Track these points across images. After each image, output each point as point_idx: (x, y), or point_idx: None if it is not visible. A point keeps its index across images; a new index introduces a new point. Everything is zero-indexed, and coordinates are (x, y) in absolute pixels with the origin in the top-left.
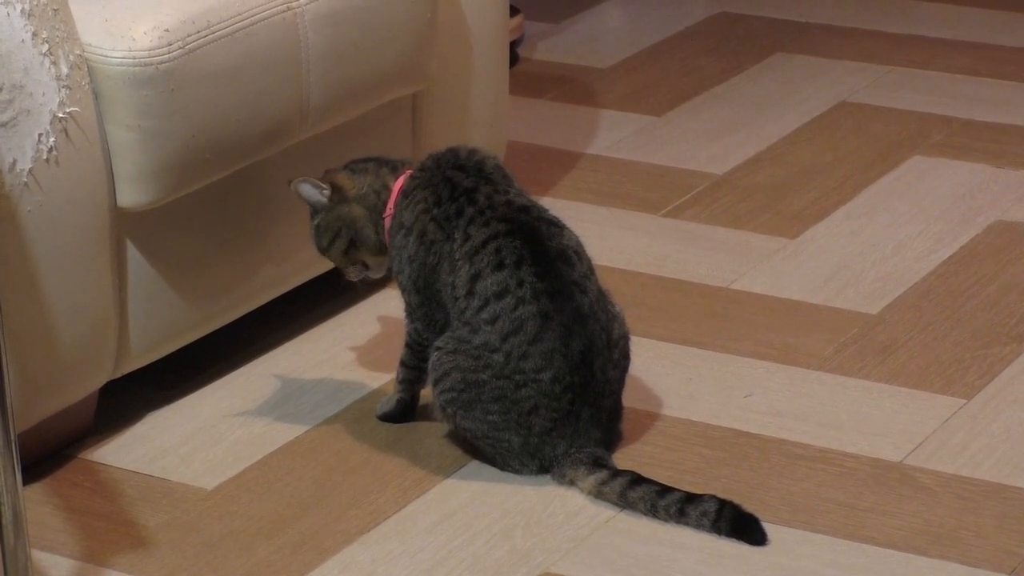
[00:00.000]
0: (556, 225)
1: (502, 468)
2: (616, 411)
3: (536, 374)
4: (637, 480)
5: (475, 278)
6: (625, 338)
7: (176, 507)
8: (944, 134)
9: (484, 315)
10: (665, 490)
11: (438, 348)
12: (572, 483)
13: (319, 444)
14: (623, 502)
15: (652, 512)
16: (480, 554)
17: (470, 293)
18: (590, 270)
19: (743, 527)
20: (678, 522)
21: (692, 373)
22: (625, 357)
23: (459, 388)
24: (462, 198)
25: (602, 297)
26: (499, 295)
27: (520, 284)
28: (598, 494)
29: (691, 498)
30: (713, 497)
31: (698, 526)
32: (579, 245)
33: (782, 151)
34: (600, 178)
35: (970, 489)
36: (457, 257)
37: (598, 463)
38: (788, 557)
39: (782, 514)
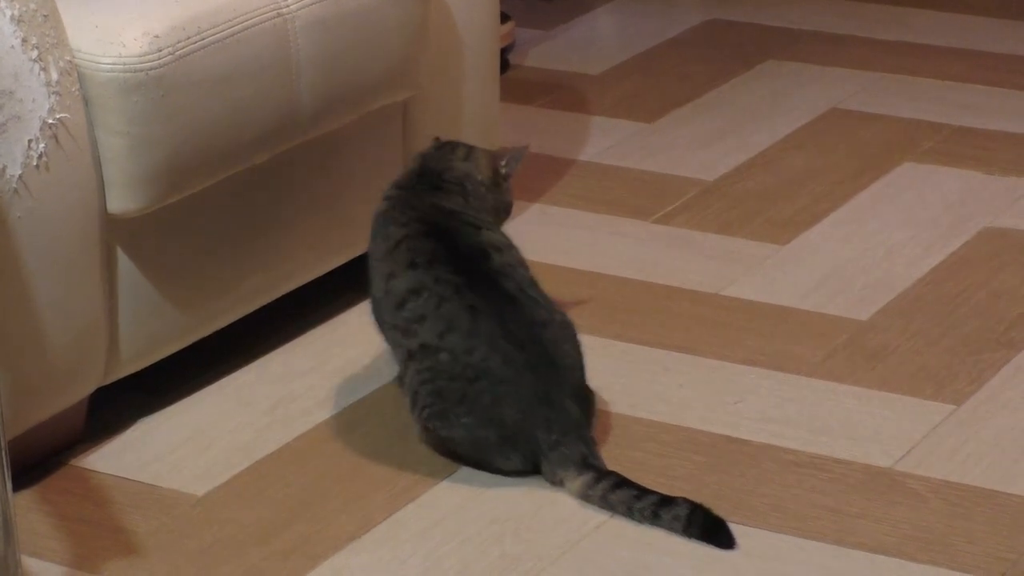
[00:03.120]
0: (474, 226)
1: (491, 470)
2: (586, 396)
3: (484, 363)
4: (619, 484)
5: (390, 277)
6: (569, 326)
7: (166, 513)
8: (934, 141)
9: (405, 313)
10: (642, 494)
11: (399, 377)
12: (561, 483)
13: (309, 450)
14: (605, 505)
15: (629, 514)
16: (470, 560)
17: (387, 292)
18: (520, 264)
19: (712, 530)
20: (652, 524)
21: (683, 379)
22: (577, 350)
23: (427, 403)
24: (401, 203)
25: (535, 288)
26: (415, 291)
27: (437, 281)
28: (585, 498)
29: (665, 501)
30: (686, 501)
31: (671, 529)
32: (503, 244)
33: (773, 158)
34: (591, 185)
35: (960, 495)
36: (378, 257)
37: (586, 462)
38: (778, 563)
39: (772, 520)
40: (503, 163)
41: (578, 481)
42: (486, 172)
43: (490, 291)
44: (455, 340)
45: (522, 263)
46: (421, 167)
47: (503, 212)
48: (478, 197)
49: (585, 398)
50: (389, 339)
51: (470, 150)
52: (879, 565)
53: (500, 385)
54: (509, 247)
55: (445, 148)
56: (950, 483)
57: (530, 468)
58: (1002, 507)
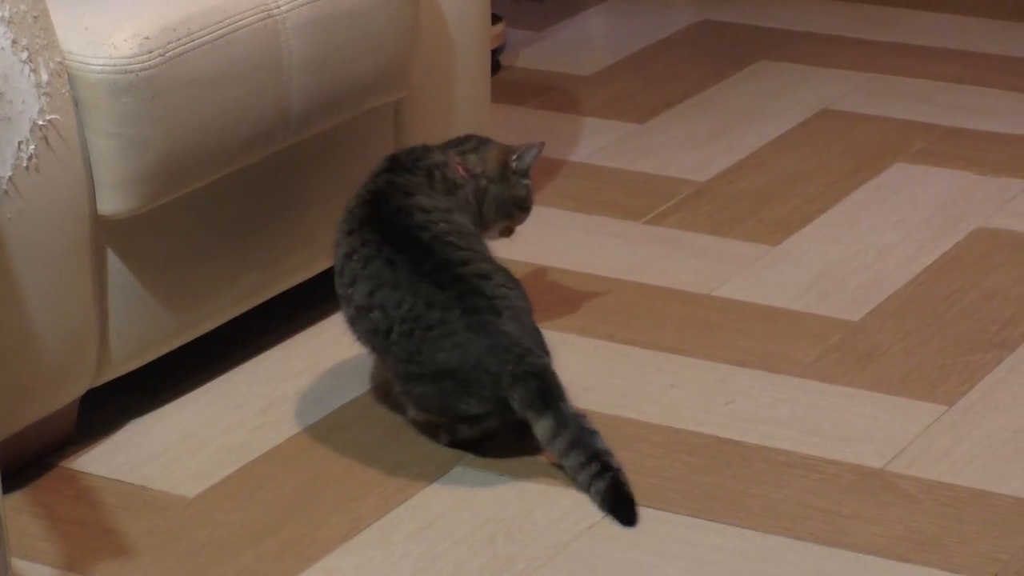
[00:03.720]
0: (406, 192)
1: (466, 430)
2: (535, 328)
3: (411, 312)
4: (572, 444)
5: (336, 246)
6: (505, 272)
7: (158, 515)
8: (926, 141)
9: (343, 279)
10: (587, 462)
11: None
12: (529, 424)
13: (301, 451)
14: (562, 466)
15: (575, 482)
16: (462, 561)
17: (335, 266)
18: (444, 221)
19: (617, 507)
20: (587, 493)
21: (674, 380)
22: (521, 297)
23: (396, 377)
24: (367, 181)
25: (462, 239)
26: (348, 255)
27: (364, 243)
28: (548, 452)
29: (597, 475)
30: (612, 477)
31: (595, 501)
32: (432, 207)
33: (764, 158)
34: (582, 185)
35: (952, 495)
36: (336, 230)
37: (545, 401)
38: (770, 564)
39: (764, 521)
40: (514, 157)
41: (540, 427)
42: (493, 165)
43: (407, 244)
44: (384, 296)
45: (451, 222)
46: (408, 151)
47: (514, 205)
48: (449, 185)
49: (536, 329)
50: (345, 316)
51: (481, 143)
52: (871, 566)
53: (431, 331)
54: (444, 211)
55: (454, 140)
56: (942, 484)
57: (494, 407)
58: (994, 508)
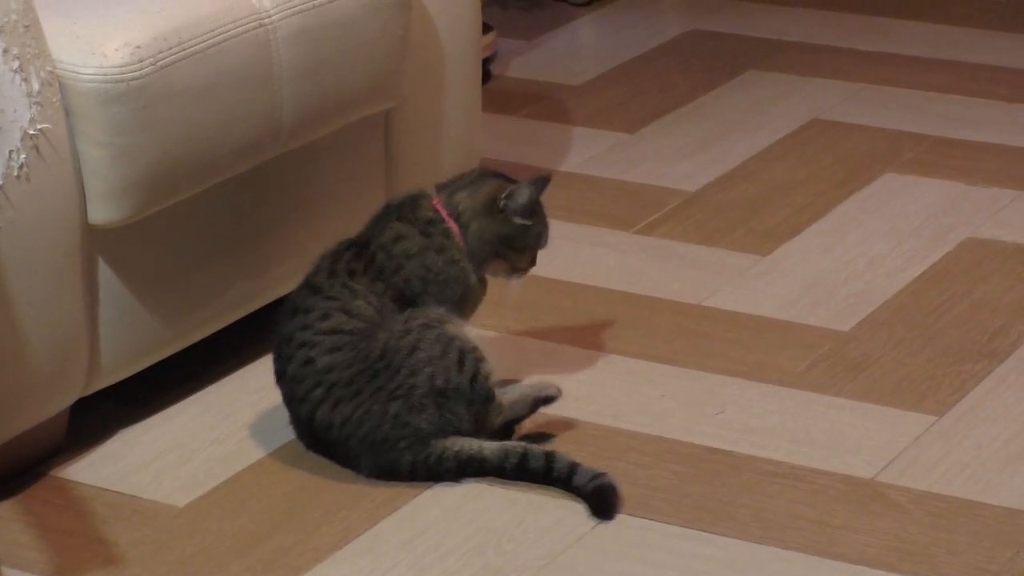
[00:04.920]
0: (306, 310)
1: None
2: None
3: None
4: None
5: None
6: (353, 416)
7: (147, 524)
8: (916, 151)
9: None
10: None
11: None
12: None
13: (291, 461)
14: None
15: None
16: (452, 571)
17: None
18: (310, 349)
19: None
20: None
21: (664, 390)
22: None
23: None
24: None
25: (317, 349)
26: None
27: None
28: None
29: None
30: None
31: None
32: (313, 307)
33: (754, 168)
34: (572, 195)
35: (941, 506)
36: None
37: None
38: (759, 574)
39: (754, 531)
40: (503, 195)
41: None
42: (480, 200)
43: (284, 372)
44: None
45: (314, 359)
46: (385, 221)
47: (502, 244)
48: (392, 266)
49: (411, 421)
50: None
51: (482, 177)
52: None
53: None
54: (322, 316)
55: (459, 176)
56: (932, 494)
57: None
58: (984, 518)
